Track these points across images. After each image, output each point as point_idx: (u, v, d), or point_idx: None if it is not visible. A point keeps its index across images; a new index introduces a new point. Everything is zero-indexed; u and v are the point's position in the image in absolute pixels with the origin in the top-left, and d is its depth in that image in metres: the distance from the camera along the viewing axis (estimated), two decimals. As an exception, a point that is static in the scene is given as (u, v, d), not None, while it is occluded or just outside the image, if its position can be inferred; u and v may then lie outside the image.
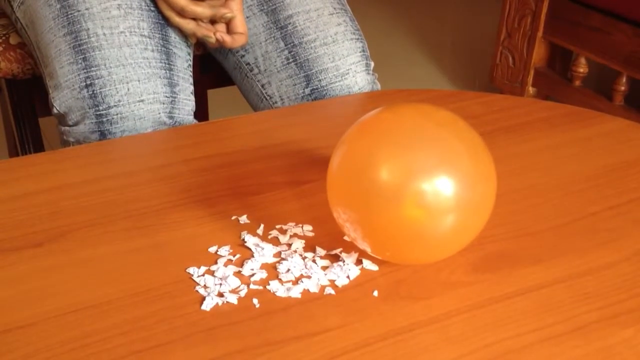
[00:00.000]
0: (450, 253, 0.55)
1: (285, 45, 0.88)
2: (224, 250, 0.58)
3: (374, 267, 0.56)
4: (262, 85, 0.90)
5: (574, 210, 0.64)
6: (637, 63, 1.57)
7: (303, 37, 0.88)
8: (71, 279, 0.55)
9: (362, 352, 0.49)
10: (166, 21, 0.84)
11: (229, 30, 0.85)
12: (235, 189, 0.66)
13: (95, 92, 0.78)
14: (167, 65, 0.82)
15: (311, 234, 0.60)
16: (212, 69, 1.01)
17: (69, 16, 0.80)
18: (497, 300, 0.53)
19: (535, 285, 0.55)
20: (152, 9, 0.84)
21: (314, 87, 0.88)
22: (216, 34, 0.83)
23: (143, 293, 0.53)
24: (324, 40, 0.88)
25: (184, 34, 0.86)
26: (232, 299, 0.53)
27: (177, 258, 0.57)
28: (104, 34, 0.80)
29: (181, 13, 0.82)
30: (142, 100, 0.80)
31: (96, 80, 0.78)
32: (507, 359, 0.48)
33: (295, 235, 0.59)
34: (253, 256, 0.57)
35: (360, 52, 0.90)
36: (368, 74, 0.90)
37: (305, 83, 0.88)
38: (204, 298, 0.53)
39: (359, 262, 0.57)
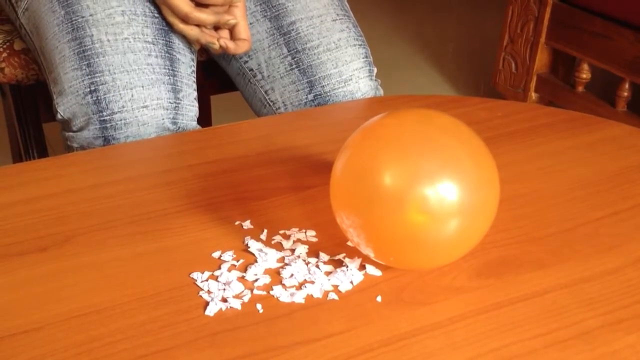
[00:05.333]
0: (454, 258, 0.56)
1: (289, 51, 0.88)
2: (228, 256, 0.58)
3: (377, 273, 0.56)
4: (265, 91, 0.91)
5: (578, 215, 0.64)
6: (640, 69, 1.57)
7: (306, 43, 0.88)
8: (75, 283, 0.55)
9: (365, 357, 0.49)
10: (170, 27, 0.84)
11: (233, 37, 0.85)
12: (239, 194, 0.66)
13: (99, 98, 0.79)
14: (170, 71, 0.83)
15: (314, 239, 0.60)
16: (216, 74, 1.02)
17: (74, 22, 0.81)
18: (501, 305, 0.53)
19: (539, 291, 0.55)
20: (156, 15, 0.84)
21: (317, 93, 0.88)
22: (220, 40, 0.84)
23: (147, 298, 0.53)
24: (327, 46, 0.88)
25: (187, 40, 0.86)
26: (236, 304, 0.53)
27: (180, 263, 0.57)
28: (108, 40, 0.80)
29: (185, 19, 0.82)
30: (145, 106, 0.80)
31: (100, 86, 0.79)
32: (510, 364, 0.49)
33: (298, 240, 0.60)
34: (256, 261, 0.57)
35: (363, 58, 0.90)
36: (371, 79, 0.91)
37: (308, 89, 0.88)
38: (207, 303, 0.53)
39: (362, 267, 0.57)
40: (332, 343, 0.50)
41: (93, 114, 0.79)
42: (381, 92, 0.93)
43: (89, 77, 0.79)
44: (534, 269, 0.57)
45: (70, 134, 0.82)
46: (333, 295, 0.54)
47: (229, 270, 0.56)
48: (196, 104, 0.86)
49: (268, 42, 0.89)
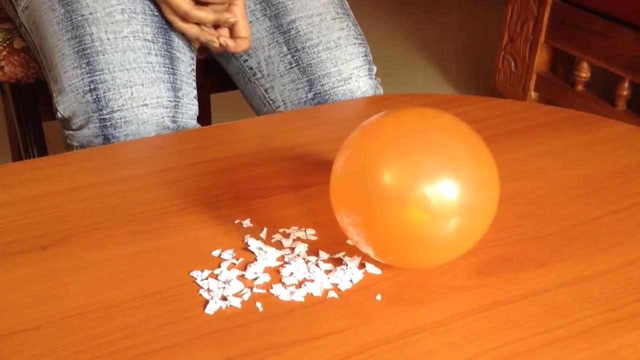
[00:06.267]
0: (454, 257, 0.56)
1: (288, 50, 0.88)
2: (228, 254, 0.58)
3: (377, 271, 0.56)
4: (265, 90, 0.91)
5: (577, 214, 0.64)
6: (640, 68, 1.57)
7: (306, 42, 0.88)
8: (75, 282, 0.55)
9: (365, 355, 0.49)
10: (170, 26, 0.84)
11: (232, 35, 0.85)
12: (239, 192, 0.66)
13: (99, 96, 0.79)
14: (170, 70, 0.83)
15: (314, 238, 0.60)
16: (215, 73, 1.02)
17: (73, 21, 0.81)
18: (501, 304, 0.53)
19: (539, 289, 0.55)
20: (156, 13, 0.84)
21: (317, 92, 0.88)
22: (219, 39, 0.84)
23: (147, 296, 0.53)
24: (327, 45, 0.88)
25: (187, 39, 0.86)
26: (236, 302, 0.53)
27: (180, 261, 0.57)
28: (108, 39, 0.80)
29: (185, 17, 0.82)
30: (145, 105, 0.80)
31: (100, 85, 0.79)
32: (510, 363, 0.49)
33: (298, 239, 0.60)
34: (256, 260, 0.57)
35: (363, 56, 0.90)
36: (371, 78, 0.91)
37: (308, 87, 0.88)
38: (207, 301, 0.53)
39: (362, 265, 0.57)
40: (332, 341, 0.50)
41: (93, 112, 0.79)
42: (381, 91, 0.93)
43: (89, 75, 0.79)
44: (534, 268, 0.57)
45: (70, 132, 0.82)
46: (333, 294, 0.54)
47: (229, 268, 0.56)
48: (196, 102, 0.86)
49: (268, 41, 0.89)
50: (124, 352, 0.48)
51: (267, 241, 0.59)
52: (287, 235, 0.60)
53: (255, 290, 0.54)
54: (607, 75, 1.73)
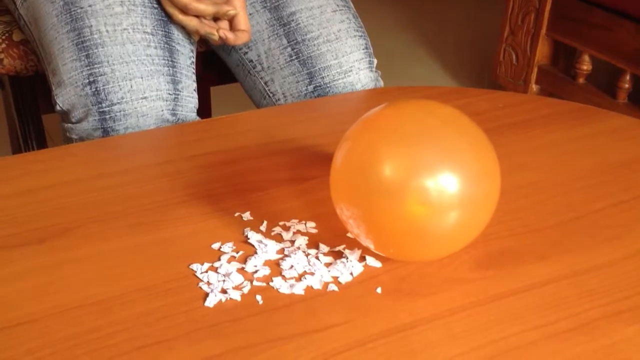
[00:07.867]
0: (454, 250, 0.55)
1: (289, 42, 0.88)
2: (227, 247, 0.58)
3: (377, 264, 0.56)
4: (265, 83, 0.90)
5: (578, 207, 0.64)
6: (641, 60, 1.56)
7: (306, 34, 0.88)
8: (74, 275, 0.55)
9: (365, 348, 0.49)
10: (169, 18, 0.84)
11: (232, 28, 0.85)
12: (238, 185, 0.66)
13: (98, 89, 0.78)
14: (170, 63, 0.82)
15: (314, 231, 0.60)
16: (215, 66, 1.01)
17: (72, 13, 0.80)
18: (501, 296, 0.53)
19: (539, 282, 0.55)
20: (155, 6, 0.83)
21: (317, 84, 0.88)
22: (219, 32, 0.83)
23: (146, 289, 0.53)
24: (327, 38, 0.88)
25: (186, 31, 0.86)
26: (236, 295, 0.53)
27: (180, 254, 0.57)
28: (107, 31, 0.80)
29: (184, 10, 0.82)
30: (145, 98, 0.80)
31: (99, 77, 0.78)
32: (510, 356, 0.48)
33: (298, 232, 0.59)
34: (256, 253, 0.57)
35: (363, 49, 0.89)
36: (371, 71, 0.90)
37: (308, 80, 0.88)
38: (207, 294, 0.53)
39: (362, 258, 0.57)
40: (332, 334, 0.50)
41: (92, 105, 0.79)
42: (381, 84, 0.93)
43: (88, 68, 0.78)
44: (534, 260, 0.57)
45: (70, 125, 0.81)
46: (333, 287, 0.54)
47: (229, 261, 0.56)
48: (196, 95, 0.86)
49: (268, 33, 0.89)
50: (123, 345, 0.48)
51: (267, 234, 0.59)
52: (287, 228, 0.60)
53: (255, 283, 0.54)
54: (609, 68, 1.73)
